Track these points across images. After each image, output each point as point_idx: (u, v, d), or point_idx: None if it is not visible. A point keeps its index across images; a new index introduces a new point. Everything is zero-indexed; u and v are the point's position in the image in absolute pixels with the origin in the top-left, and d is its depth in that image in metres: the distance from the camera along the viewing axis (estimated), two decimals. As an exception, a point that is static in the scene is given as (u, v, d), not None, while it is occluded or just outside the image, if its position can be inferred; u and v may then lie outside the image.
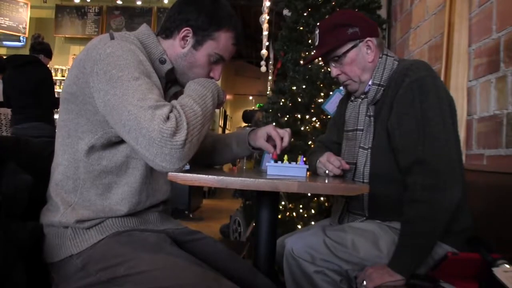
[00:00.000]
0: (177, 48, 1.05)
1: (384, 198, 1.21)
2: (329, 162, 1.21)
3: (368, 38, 1.25)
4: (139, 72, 0.89)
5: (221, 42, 1.04)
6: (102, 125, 0.93)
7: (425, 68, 1.18)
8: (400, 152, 1.16)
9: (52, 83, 3.64)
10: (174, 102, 0.89)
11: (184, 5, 1.05)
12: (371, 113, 1.26)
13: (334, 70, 1.30)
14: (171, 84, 1.11)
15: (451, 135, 1.14)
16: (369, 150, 1.23)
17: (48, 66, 3.65)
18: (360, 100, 1.30)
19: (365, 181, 1.23)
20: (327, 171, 1.21)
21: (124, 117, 0.84)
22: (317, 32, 1.29)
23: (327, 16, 2.47)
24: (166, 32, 1.06)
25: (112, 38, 0.94)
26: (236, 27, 1.06)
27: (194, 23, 1.02)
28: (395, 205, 1.17)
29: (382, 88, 1.24)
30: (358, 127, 1.29)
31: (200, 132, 0.89)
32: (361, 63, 1.26)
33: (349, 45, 1.24)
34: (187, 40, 1.04)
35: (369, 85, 1.26)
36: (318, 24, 1.31)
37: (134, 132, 0.83)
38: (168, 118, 0.83)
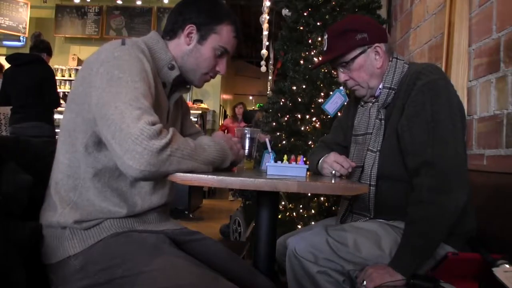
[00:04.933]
0: (182, 45, 1.10)
1: (390, 199, 1.21)
2: (336, 163, 1.21)
3: (376, 44, 1.24)
4: (140, 78, 0.91)
5: (224, 34, 1.10)
6: (91, 124, 0.93)
7: (437, 71, 1.18)
8: (409, 154, 1.16)
9: (54, 82, 3.65)
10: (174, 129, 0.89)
11: (184, 7, 1.11)
12: (382, 116, 1.25)
13: (342, 76, 1.29)
14: (175, 88, 1.14)
15: (460, 139, 1.14)
16: (378, 153, 1.23)
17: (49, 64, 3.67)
18: (370, 104, 1.30)
19: (372, 183, 1.22)
20: (333, 172, 1.20)
21: (110, 111, 0.85)
22: (325, 37, 1.29)
23: (327, 17, 2.48)
24: (170, 33, 1.10)
25: (123, 44, 0.97)
26: (235, 21, 1.12)
27: (197, 20, 1.08)
28: (401, 206, 1.17)
29: (393, 92, 1.24)
30: (369, 131, 1.28)
31: (182, 160, 0.86)
32: (369, 69, 1.25)
33: (358, 51, 1.24)
34: (191, 37, 1.09)
35: (380, 88, 1.26)
36: (327, 29, 1.31)
37: (115, 126, 0.83)
38: (154, 124, 0.83)
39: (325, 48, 1.30)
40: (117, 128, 0.82)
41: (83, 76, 0.96)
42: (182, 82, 1.16)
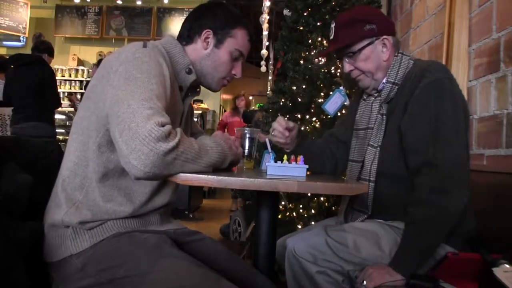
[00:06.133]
0: (199, 50, 1.12)
1: (389, 196, 1.21)
2: (277, 123, 1.32)
3: (384, 36, 1.23)
4: (156, 81, 0.92)
5: (239, 38, 1.13)
6: (104, 122, 0.93)
7: (442, 70, 1.17)
8: (410, 153, 1.15)
9: (55, 82, 3.67)
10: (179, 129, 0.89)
11: (199, 13, 1.14)
12: (384, 112, 1.24)
13: (347, 66, 1.27)
14: (188, 92, 1.15)
15: (463, 140, 1.12)
16: (378, 149, 1.22)
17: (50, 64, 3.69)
18: (373, 98, 1.29)
19: (371, 179, 1.22)
20: (272, 132, 1.30)
21: (122, 109, 0.85)
22: (333, 25, 1.27)
23: (327, 17, 2.47)
24: (186, 39, 1.13)
25: (144, 46, 0.98)
26: (248, 25, 1.16)
27: (213, 25, 1.11)
28: (399, 204, 1.16)
29: (397, 87, 1.22)
30: (370, 125, 1.27)
31: (186, 163, 0.86)
32: (376, 60, 1.23)
33: (365, 42, 1.22)
34: (208, 42, 1.12)
35: (383, 83, 1.24)
36: (335, 17, 1.29)
37: (124, 123, 0.83)
38: (163, 126, 0.83)
39: (331, 37, 1.28)
40: (126, 126, 0.82)
41: (102, 74, 0.96)
42: (195, 86, 1.17)
